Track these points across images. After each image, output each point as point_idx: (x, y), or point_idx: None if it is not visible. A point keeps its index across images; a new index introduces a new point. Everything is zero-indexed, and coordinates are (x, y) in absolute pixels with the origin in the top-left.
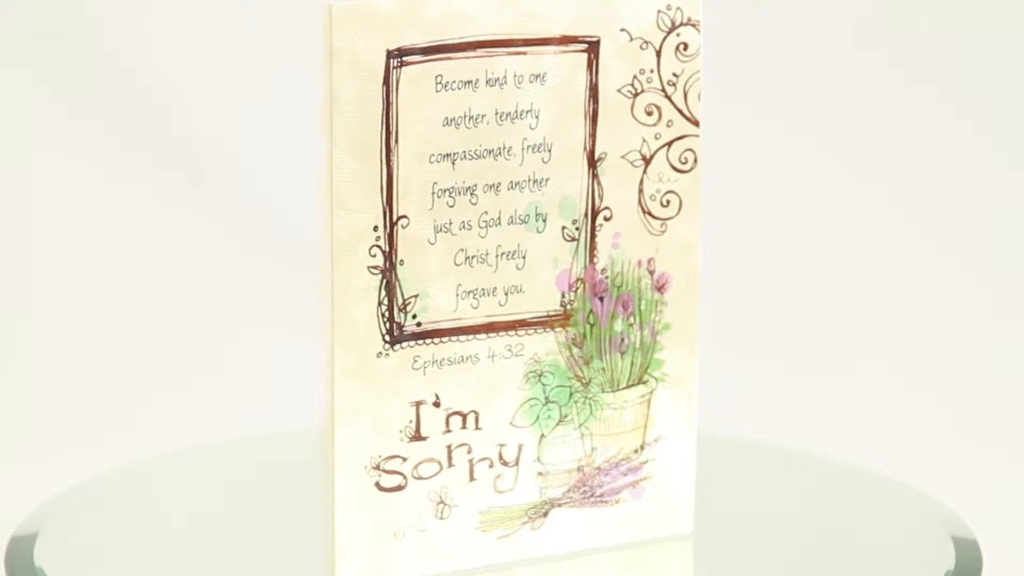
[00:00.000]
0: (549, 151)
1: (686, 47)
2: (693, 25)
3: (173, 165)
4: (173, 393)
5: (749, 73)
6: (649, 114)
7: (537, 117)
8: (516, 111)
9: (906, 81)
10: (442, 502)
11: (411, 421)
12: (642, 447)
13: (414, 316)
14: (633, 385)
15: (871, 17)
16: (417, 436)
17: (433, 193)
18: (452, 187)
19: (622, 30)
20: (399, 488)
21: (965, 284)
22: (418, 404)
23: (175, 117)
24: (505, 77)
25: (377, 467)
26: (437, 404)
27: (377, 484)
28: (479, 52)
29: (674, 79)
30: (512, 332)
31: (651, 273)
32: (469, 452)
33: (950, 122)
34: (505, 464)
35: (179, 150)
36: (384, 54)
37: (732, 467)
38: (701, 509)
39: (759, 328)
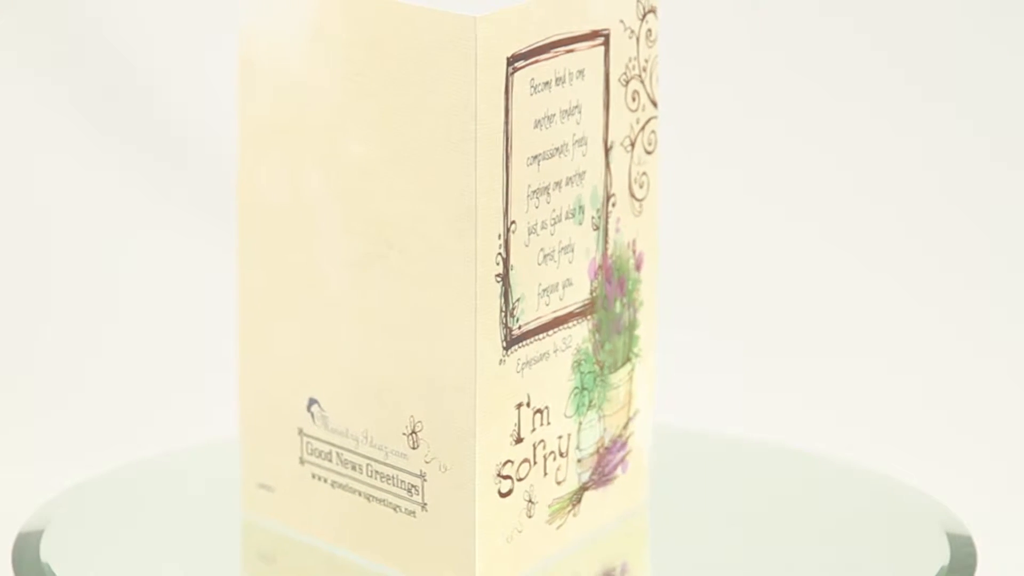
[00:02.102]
0: (586, 144)
1: (651, 33)
2: (654, 12)
3: (178, 164)
4: (180, 391)
5: (726, 62)
6: (633, 100)
7: (580, 112)
8: (570, 107)
9: (886, 65)
10: (530, 500)
11: (515, 424)
12: (628, 422)
13: (517, 320)
14: (624, 364)
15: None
16: (519, 438)
17: (527, 196)
18: (537, 188)
19: (620, 20)
20: (510, 493)
21: (960, 280)
22: (519, 406)
23: (180, 117)
24: (564, 76)
25: (499, 474)
26: (528, 404)
27: (499, 491)
28: (551, 53)
29: (645, 64)
30: (565, 325)
31: (634, 253)
32: (544, 447)
33: (929, 108)
34: (561, 455)
35: (183, 149)
36: (505, 62)
37: (724, 463)
38: (694, 505)
39: (751, 325)
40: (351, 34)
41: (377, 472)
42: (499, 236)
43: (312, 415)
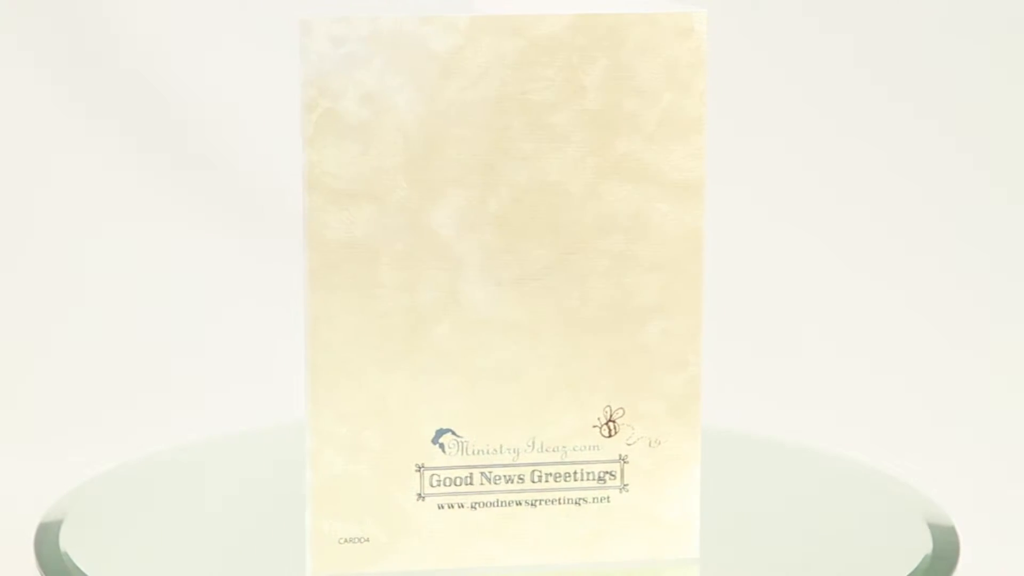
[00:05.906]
0: None
1: None
2: None
3: (163, 150)
4: (196, 383)
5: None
6: None
7: None
8: None
9: (872, 76)
10: None
11: None
12: None
13: None
14: None
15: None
16: None
17: None
18: None
19: None
20: None
21: (947, 276)
22: None
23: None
24: None
25: None
26: None
27: None
28: None
29: None
30: None
31: None
32: None
33: (917, 115)
34: None
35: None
36: None
37: (706, 457)
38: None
39: (734, 320)
40: (516, 57)
41: (550, 475)
42: None
43: (442, 446)
